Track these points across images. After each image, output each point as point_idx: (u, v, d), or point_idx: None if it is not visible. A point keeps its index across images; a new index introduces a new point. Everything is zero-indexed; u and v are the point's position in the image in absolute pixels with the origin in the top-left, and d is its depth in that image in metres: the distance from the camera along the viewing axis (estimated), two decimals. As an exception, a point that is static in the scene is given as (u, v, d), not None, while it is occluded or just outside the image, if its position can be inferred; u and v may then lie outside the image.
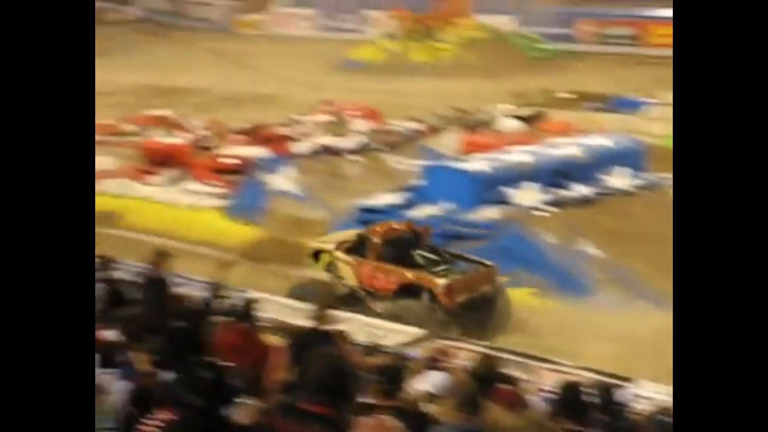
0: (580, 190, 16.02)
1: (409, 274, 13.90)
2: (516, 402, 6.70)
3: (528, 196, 15.59)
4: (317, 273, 14.88)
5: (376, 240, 14.23)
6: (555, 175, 16.45)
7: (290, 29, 55.39)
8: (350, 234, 15.04)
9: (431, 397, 7.01)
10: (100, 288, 9.74)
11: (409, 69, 40.21)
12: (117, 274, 11.19)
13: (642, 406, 8.47)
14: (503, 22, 45.28)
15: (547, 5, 48.92)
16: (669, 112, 24.59)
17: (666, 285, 14.30)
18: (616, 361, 11.68)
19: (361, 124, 22.72)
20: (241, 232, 18.53)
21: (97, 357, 6.96)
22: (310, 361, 6.09)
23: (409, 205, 16.33)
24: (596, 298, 14.86)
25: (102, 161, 19.09)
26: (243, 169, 20.18)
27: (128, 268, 11.81)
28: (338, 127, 22.67)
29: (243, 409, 6.05)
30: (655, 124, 24.65)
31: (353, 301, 14.16)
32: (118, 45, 45.03)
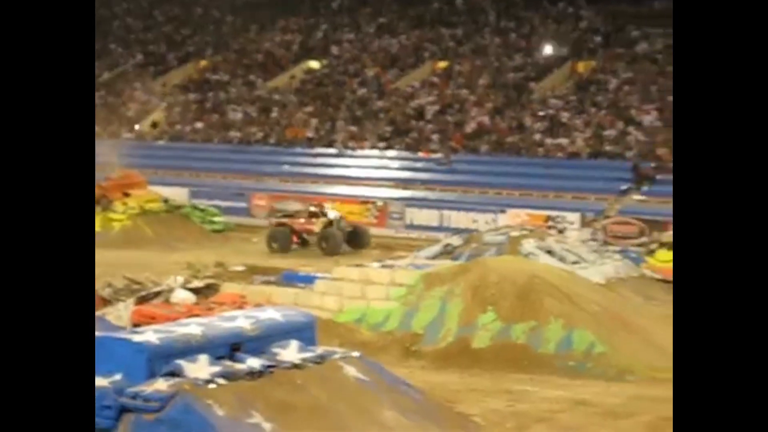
0: (251, 362, 16.16)
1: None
2: None
3: (199, 368, 15.58)
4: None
5: None
6: (226, 347, 16.55)
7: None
8: None
9: None
10: None
11: (82, 238, 39.55)
12: None
13: None
14: (180, 195, 45.65)
15: (223, 180, 49.87)
16: (339, 286, 25.39)
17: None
18: None
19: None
20: None
21: None
22: None
23: (77, 377, 15.92)
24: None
25: None
26: None
27: None
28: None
29: None
30: (326, 298, 25.31)
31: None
32: None
